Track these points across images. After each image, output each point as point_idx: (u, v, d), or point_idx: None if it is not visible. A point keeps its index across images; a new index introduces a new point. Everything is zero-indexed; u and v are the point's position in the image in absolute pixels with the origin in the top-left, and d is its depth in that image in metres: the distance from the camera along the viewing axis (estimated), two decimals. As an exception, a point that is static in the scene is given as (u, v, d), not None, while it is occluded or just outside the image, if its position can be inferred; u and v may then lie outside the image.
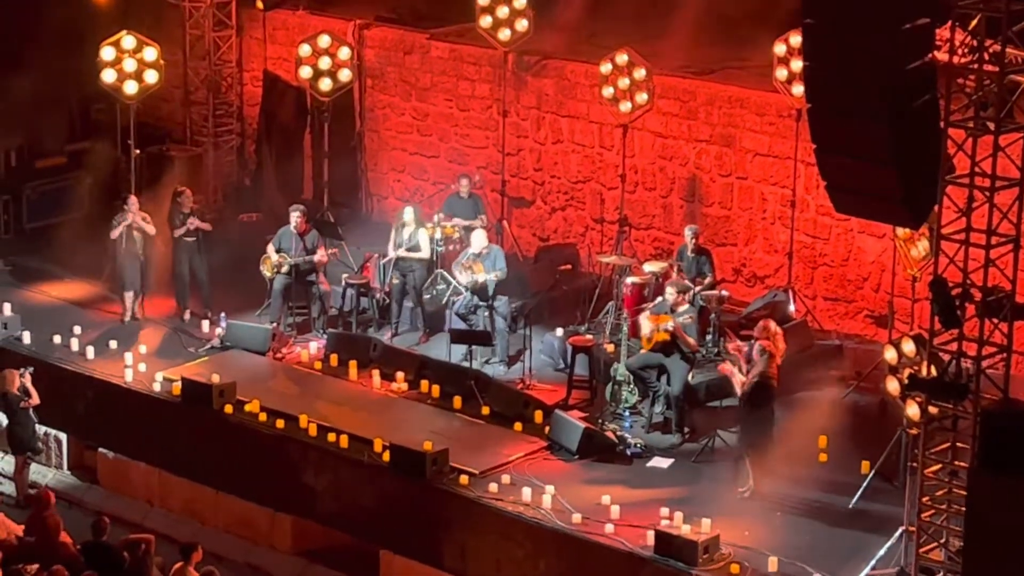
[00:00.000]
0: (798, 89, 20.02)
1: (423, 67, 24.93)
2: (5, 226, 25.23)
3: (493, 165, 24.13)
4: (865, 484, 17.61)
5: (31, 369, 20.25)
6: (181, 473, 20.13)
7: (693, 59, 22.83)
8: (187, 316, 22.13)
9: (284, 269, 21.48)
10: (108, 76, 22.93)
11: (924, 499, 15.11)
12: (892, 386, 15.85)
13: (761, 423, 17.64)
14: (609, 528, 17.04)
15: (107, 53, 22.94)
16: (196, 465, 19.96)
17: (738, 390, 17.72)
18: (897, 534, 16.20)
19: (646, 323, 18.98)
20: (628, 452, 18.66)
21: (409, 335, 21.65)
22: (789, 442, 18.13)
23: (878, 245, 20.69)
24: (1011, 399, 14.33)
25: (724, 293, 20.82)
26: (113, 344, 21.31)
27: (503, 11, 23.10)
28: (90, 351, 21.14)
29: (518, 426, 19.21)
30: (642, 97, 21.72)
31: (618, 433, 18.90)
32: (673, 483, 18.12)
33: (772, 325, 17.88)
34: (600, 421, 19.18)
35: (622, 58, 21.70)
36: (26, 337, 21.60)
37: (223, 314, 21.65)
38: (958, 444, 14.91)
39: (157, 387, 20.34)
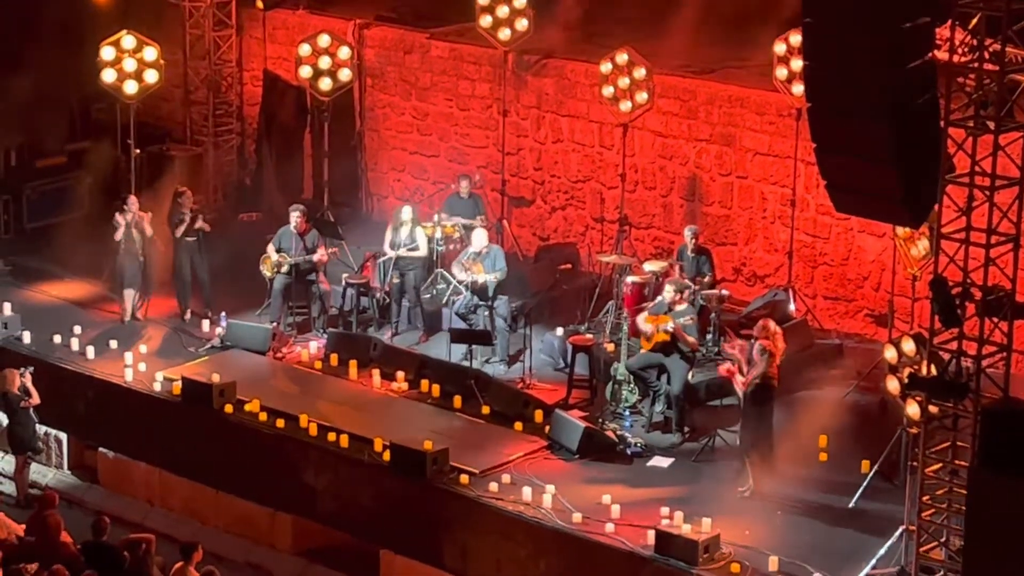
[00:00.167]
0: (798, 88, 20.02)
1: (423, 66, 24.93)
2: (5, 226, 25.23)
3: (493, 164, 24.13)
4: (865, 483, 17.61)
5: (31, 369, 20.25)
6: (181, 473, 20.13)
7: (693, 58, 22.83)
8: (187, 316, 22.13)
9: (284, 269, 21.48)
10: (108, 76, 22.94)
11: (924, 498, 15.11)
12: (892, 385, 15.84)
13: (761, 422, 17.64)
14: (610, 527, 17.04)
15: (107, 53, 22.94)
16: (196, 465, 19.96)
17: (739, 390, 17.72)
18: (897, 533, 16.20)
19: (644, 324, 18.98)
20: (628, 451, 18.66)
21: (409, 335, 21.65)
22: (789, 441, 18.14)
23: (878, 244, 20.69)
24: (1011, 398, 14.33)
25: (724, 292, 20.83)
26: (113, 344, 21.31)
27: (503, 10, 23.10)
28: (90, 351, 21.13)
29: (518, 425, 19.21)
30: (642, 96, 21.71)
31: (618, 432, 18.90)
32: (673, 482, 18.12)
33: (772, 324, 17.88)
34: (600, 420, 19.18)
35: (622, 57, 21.70)
36: (26, 337, 21.60)
37: (223, 314, 21.65)
38: (958, 443, 14.91)
39: (157, 387, 20.34)
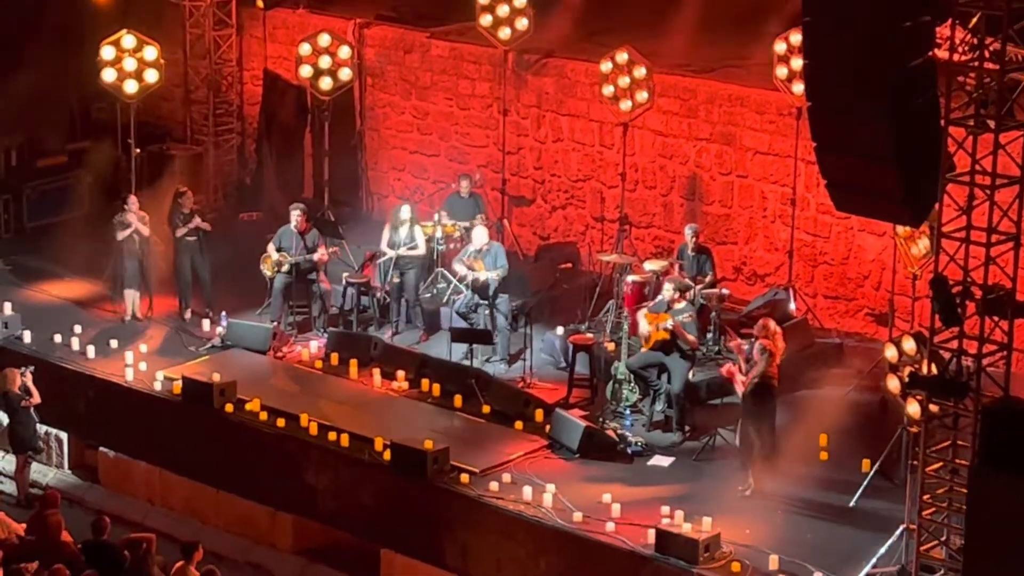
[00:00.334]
0: (798, 87, 20.01)
1: (423, 66, 24.93)
2: (6, 225, 25.24)
3: (493, 164, 24.13)
4: (866, 482, 17.61)
5: (32, 368, 20.25)
6: (182, 472, 20.13)
7: (693, 57, 22.83)
8: (188, 315, 22.13)
9: (285, 268, 21.48)
10: (108, 75, 22.94)
11: (925, 497, 15.10)
12: (893, 384, 15.84)
13: (762, 422, 17.64)
14: (610, 527, 17.04)
15: (107, 52, 22.94)
16: (197, 464, 19.96)
17: (739, 389, 17.72)
18: (898, 532, 16.20)
19: (643, 322, 18.99)
20: (629, 450, 18.66)
21: (410, 334, 21.65)
22: (790, 440, 18.14)
23: (878, 243, 20.69)
24: (1012, 397, 14.32)
25: (724, 291, 20.83)
26: (114, 343, 21.31)
27: (503, 10, 23.10)
28: (91, 350, 21.14)
29: (519, 425, 19.21)
30: (642, 95, 21.71)
31: (619, 431, 18.90)
32: (674, 481, 18.12)
33: (772, 324, 17.88)
34: (601, 420, 19.18)
35: (622, 56, 21.69)
36: (27, 336, 21.60)
37: (224, 313, 21.66)
38: (959, 442, 14.91)
39: (158, 386, 20.34)
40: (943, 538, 15.16)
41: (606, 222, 23.13)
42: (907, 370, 15.42)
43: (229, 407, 19.69)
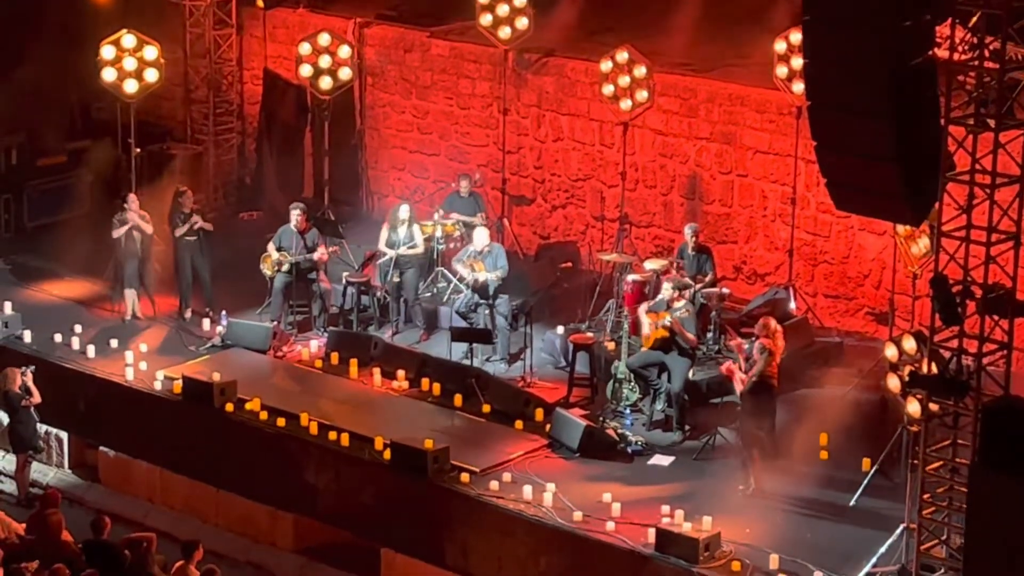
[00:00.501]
0: (798, 86, 20.01)
1: (423, 65, 24.93)
2: (6, 224, 25.24)
3: (494, 163, 24.13)
4: (866, 481, 17.61)
5: (32, 368, 20.25)
6: (182, 471, 20.13)
7: (693, 56, 22.83)
8: (188, 314, 22.13)
9: (285, 267, 21.48)
10: (108, 75, 22.93)
11: (925, 496, 15.11)
12: (893, 383, 15.84)
13: (761, 420, 17.64)
14: (610, 526, 17.04)
15: (107, 52, 22.94)
16: (197, 463, 19.96)
17: (739, 388, 17.73)
18: (898, 531, 16.21)
19: (644, 319, 18.99)
20: (629, 450, 18.66)
21: (410, 333, 21.65)
22: (790, 440, 18.14)
23: (879, 242, 20.69)
24: (1012, 396, 14.33)
25: (725, 291, 20.82)
26: (114, 343, 21.31)
27: (503, 9, 23.09)
28: (91, 349, 21.14)
29: (519, 424, 19.21)
30: (642, 95, 21.70)
31: (619, 431, 18.90)
32: (674, 481, 18.13)
33: (772, 323, 17.89)
34: (601, 419, 19.18)
35: (622, 56, 21.69)
36: (27, 336, 21.60)
37: (224, 312, 21.66)
38: (959, 441, 14.91)
39: (158, 385, 20.34)
40: (943, 537, 15.16)
41: (606, 221, 23.13)
42: (907, 369, 15.42)
43: (229, 406, 19.69)
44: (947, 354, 14.66)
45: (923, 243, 17.75)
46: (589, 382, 20.02)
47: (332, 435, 18.95)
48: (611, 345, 20.30)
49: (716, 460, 18.46)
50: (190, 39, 26.01)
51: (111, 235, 21.98)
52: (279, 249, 21.56)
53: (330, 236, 22.54)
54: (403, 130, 25.35)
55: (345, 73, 23.87)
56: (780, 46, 20.67)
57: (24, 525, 17.59)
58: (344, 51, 23.87)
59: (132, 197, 22.17)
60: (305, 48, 23.77)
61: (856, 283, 21.25)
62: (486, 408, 19.54)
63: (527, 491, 17.64)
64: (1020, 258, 14.43)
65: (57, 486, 20.00)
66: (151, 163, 24.95)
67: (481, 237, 21.04)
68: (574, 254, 23.46)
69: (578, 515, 17.25)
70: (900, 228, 17.84)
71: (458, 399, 19.75)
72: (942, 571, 15.25)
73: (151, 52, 23.10)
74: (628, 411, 19.31)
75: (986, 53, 14.07)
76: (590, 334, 20.60)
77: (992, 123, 14.16)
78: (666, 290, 19.08)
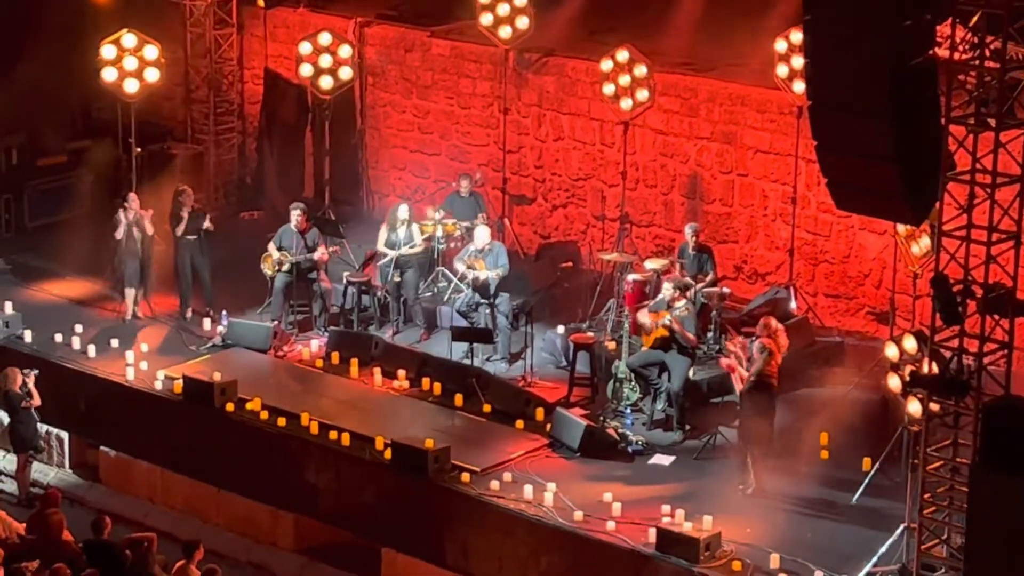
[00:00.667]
0: (799, 86, 20.00)
1: (424, 65, 24.93)
2: (7, 224, 25.24)
3: (494, 163, 24.12)
4: (867, 481, 17.61)
5: (36, 371, 20.23)
6: (183, 471, 20.13)
7: (694, 56, 22.82)
8: (189, 314, 22.13)
9: (285, 267, 21.49)
10: (109, 74, 22.93)
11: (926, 496, 15.11)
12: (894, 383, 15.84)
13: (760, 420, 17.64)
14: (611, 525, 17.04)
15: (108, 51, 22.94)
16: (198, 463, 19.96)
17: (738, 387, 17.73)
18: (899, 531, 16.21)
19: (645, 319, 19.00)
20: (630, 449, 18.66)
21: (410, 333, 21.65)
22: (791, 439, 18.14)
23: (879, 242, 20.69)
24: (1012, 395, 14.32)
25: (725, 290, 20.82)
26: (114, 342, 21.31)
27: (504, 8, 23.08)
28: (91, 349, 21.13)
29: (519, 424, 19.21)
30: (643, 94, 21.70)
31: (619, 430, 18.90)
32: (675, 480, 18.13)
33: (773, 322, 17.89)
34: (601, 418, 19.18)
35: (623, 55, 21.68)
36: (27, 335, 21.60)
37: (224, 312, 21.66)
38: (960, 441, 14.91)
39: (159, 385, 20.34)
40: (944, 537, 15.16)
41: (607, 221, 23.13)
42: (908, 369, 15.42)
43: (230, 406, 19.69)
44: (948, 354, 14.66)
45: (924, 243, 17.76)
46: (590, 382, 20.02)
47: (333, 435, 18.95)
48: (612, 345, 20.30)
49: (717, 460, 18.45)
50: (191, 39, 26.01)
51: (113, 235, 21.96)
52: (280, 249, 21.56)
53: (330, 236, 22.53)
54: (404, 130, 25.35)
55: (346, 73, 23.86)
56: (781, 46, 20.67)
57: (25, 525, 17.60)
58: (345, 51, 23.86)
59: (132, 196, 22.16)
60: (306, 47, 23.75)
61: (857, 283, 21.25)
62: (487, 408, 19.54)
63: (528, 491, 17.64)
64: (1021, 258, 14.43)
65: (58, 486, 20.00)
66: (152, 163, 24.95)
67: (482, 235, 21.04)
68: (575, 254, 23.46)
69: (579, 515, 17.24)
70: (901, 228, 17.85)
71: (459, 399, 19.74)
72: (943, 571, 15.25)
73: (151, 52, 23.10)
74: (629, 411, 19.31)
75: (987, 52, 14.07)
76: (591, 334, 20.60)
77: (993, 123, 14.16)
78: (667, 290, 19.08)
